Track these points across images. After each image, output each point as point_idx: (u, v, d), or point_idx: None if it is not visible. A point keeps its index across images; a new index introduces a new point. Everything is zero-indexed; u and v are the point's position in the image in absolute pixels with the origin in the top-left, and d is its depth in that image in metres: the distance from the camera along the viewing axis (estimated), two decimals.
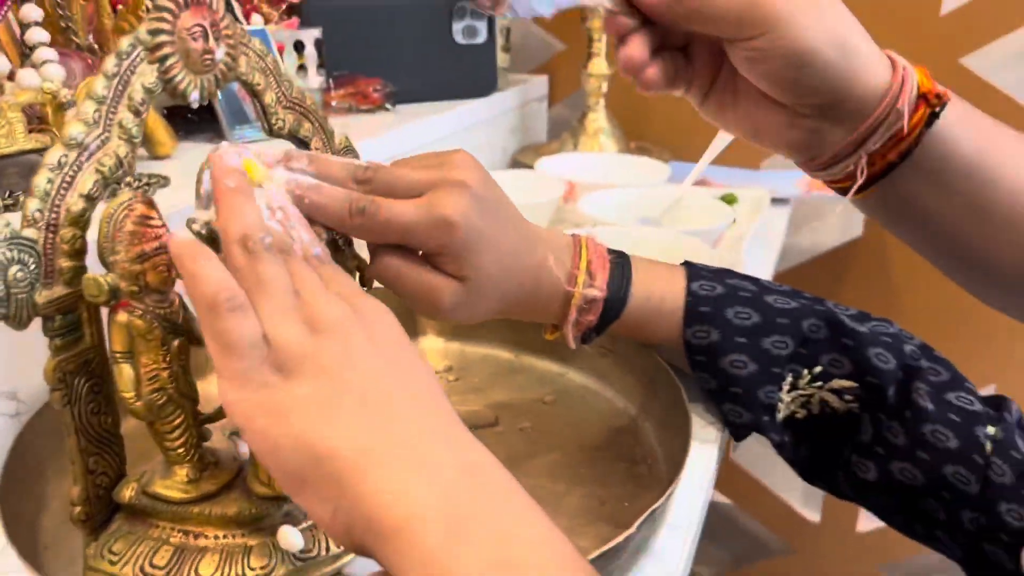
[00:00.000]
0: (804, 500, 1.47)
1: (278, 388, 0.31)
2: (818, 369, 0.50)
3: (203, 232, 0.40)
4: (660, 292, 0.52)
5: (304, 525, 0.42)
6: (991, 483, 0.46)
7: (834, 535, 1.42)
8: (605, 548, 0.35)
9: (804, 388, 0.51)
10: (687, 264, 0.54)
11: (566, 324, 0.50)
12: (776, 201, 1.04)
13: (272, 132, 0.46)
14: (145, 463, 0.42)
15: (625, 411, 0.55)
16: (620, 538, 0.36)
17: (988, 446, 0.46)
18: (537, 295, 0.49)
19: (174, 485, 0.41)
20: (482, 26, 1.08)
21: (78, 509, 0.40)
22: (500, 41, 1.14)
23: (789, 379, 0.51)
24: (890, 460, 0.49)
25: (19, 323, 0.36)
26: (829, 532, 1.42)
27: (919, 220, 0.52)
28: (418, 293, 0.45)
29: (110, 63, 0.37)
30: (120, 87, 0.37)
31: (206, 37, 0.39)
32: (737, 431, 0.52)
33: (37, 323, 0.37)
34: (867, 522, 1.39)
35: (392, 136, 0.90)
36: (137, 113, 0.38)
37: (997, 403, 0.49)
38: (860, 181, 0.49)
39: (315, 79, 0.93)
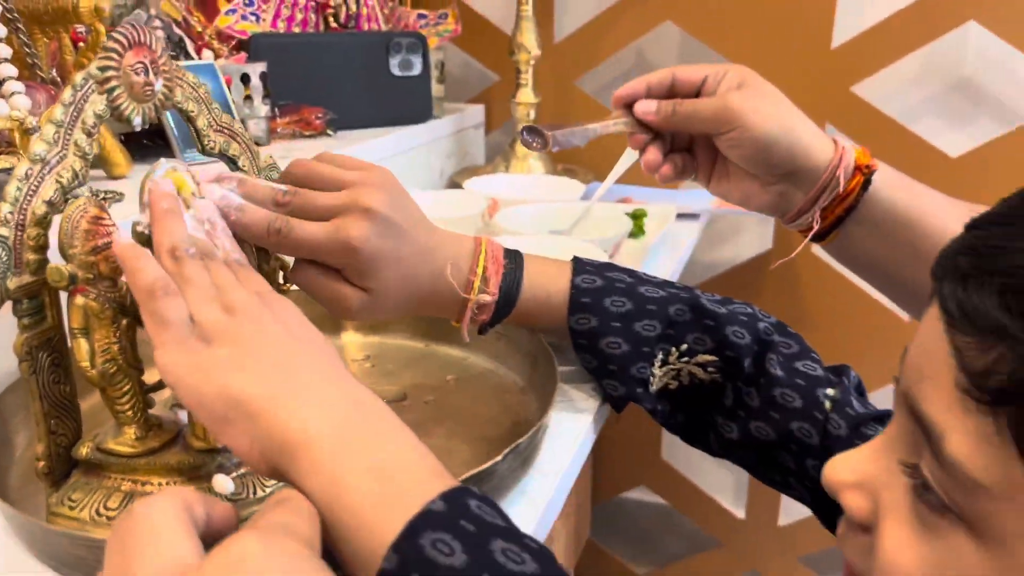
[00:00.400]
0: (734, 499, 1.57)
1: (202, 353, 0.40)
2: (684, 347, 0.59)
3: (146, 232, 0.49)
4: (547, 289, 0.60)
5: (235, 474, 0.50)
6: (829, 435, 0.55)
7: (758, 529, 1.51)
8: (472, 472, 0.44)
9: (674, 363, 0.60)
10: (575, 259, 0.63)
11: (462, 323, 0.59)
12: (686, 216, 1.15)
13: (205, 151, 0.55)
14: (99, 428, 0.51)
15: (515, 384, 0.64)
16: (487, 464, 0.45)
17: (828, 404, 0.56)
18: (435, 299, 0.58)
19: (124, 442, 0.49)
20: (417, 60, 1.18)
21: (42, 464, 0.48)
22: (435, 73, 1.24)
23: (660, 356, 0.59)
24: (748, 420, 0.58)
25: None
26: (753, 527, 1.52)
27: (873, 264, 0.69)
28: (328, 299, 0.54)
29: (67, 94, 0.45)
30: (75, 113, 0.46)
31: (147, 72, 0.48)
32: (616, 402, 0.61)
33: (2, 319, 0.45)
34: (786, 517, 1.49)
35: None
36: (89, 134, 0.46)
37: (839, 370, 0.59)
38: (816, 228, 0.67)
39: (261, 108, 1.02)
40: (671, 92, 0.69)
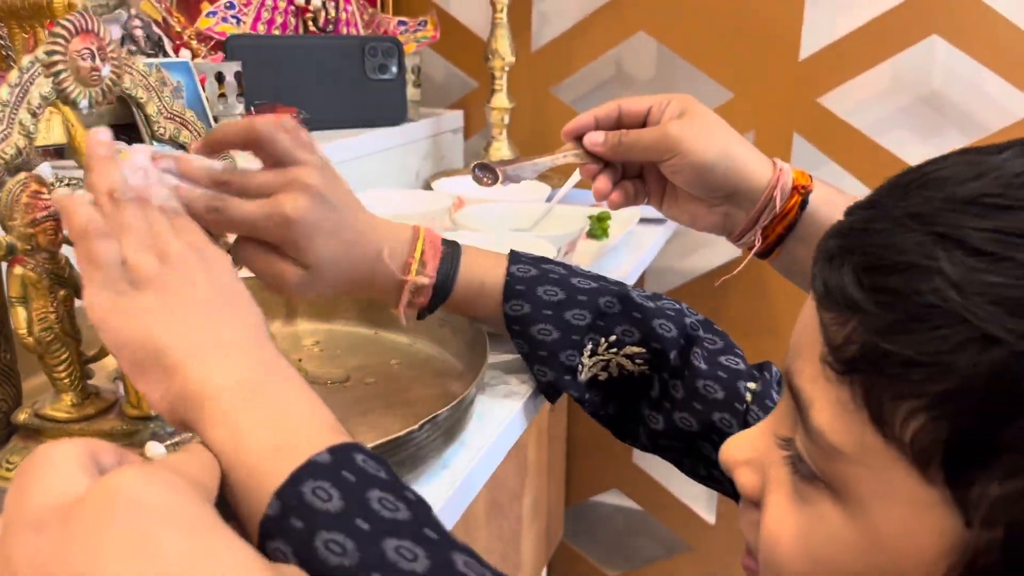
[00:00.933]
0: (706, 504, 1.59)
1: (130, 296, 0.41)
2: (613, 337, 0.61)
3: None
4: (482, 277, 0.62)
5: (168, 442, 0.52)
6: (748, 425, 0.57)
7: (726, 534, 1.53)
8: (387, 439, 0.46)
9: (603, 354, 0.62)
10: (512, 252, 0.65)
11: (400, 305, 0.62)
12: (653, 221, 1.17)
13: (155, 137, 0.58)
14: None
15: (455, 367, 0.66)
16: (403, 432, 0.47)
17: (748, 396, 0.58)
18: (374, 281, 0.59)
19: (61, 408, 0.51)
20: (392, 64, 1.21)
21: None
22: (411, 78, 1.27)
23: (589, 346, 0.61)
24: (673, 411, 0.60)
25: None
26: (722, 531, 1.54)
27: None
28: (268, 275, 0.55)
29: (13, 75, 0.48)
30: (21, 94, 0.48)
31: (93, 58, 0.51)
32: (547, 389, 0.63)
33: None
34: None
35: None
36: (34, 115, 0.49)
37: (761, 367, 0.61)
38: (758, 247, 0.70)
39: (235, 106, 1.04)
40: (618, 123, 0.71)
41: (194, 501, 0.31)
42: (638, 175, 0.74)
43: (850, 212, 0.36)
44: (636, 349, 0.61)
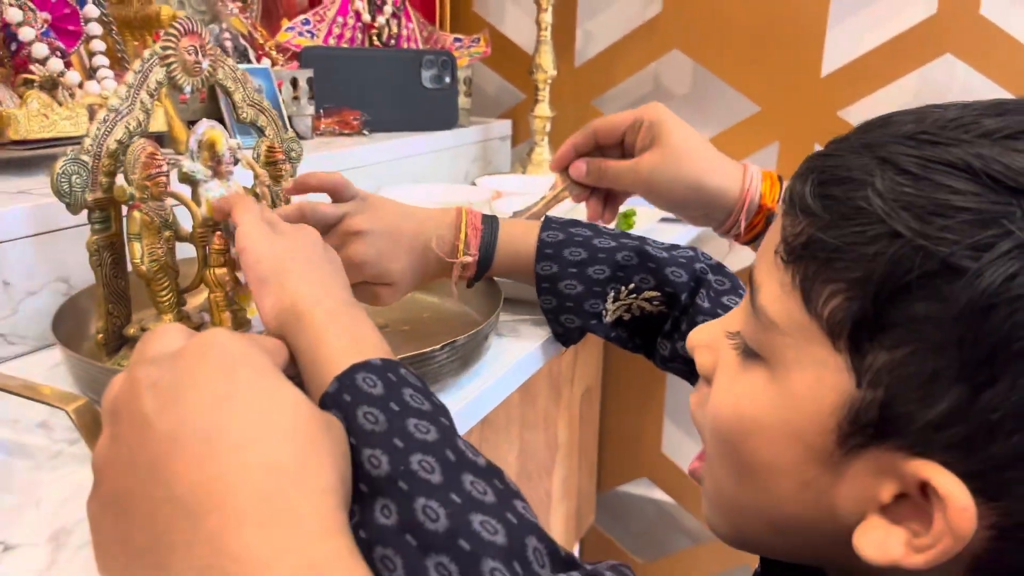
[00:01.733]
0: None
1: (270, 234, 0.55)
2: (632, 285, 0.72)
3: (189, 174, 0.66)
4: (517, 246, 0.75)
5: None
6: None
7: None
8: (412, 353, 0.59)
9: (624, 299, 0.73)
10: (546, 217, 0.77)
11: (451, 281, 0.75)
12: (675, 221, 1.28)
13: (239, 119, 0.72)
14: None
15: (476, 320, 0.78)
16: (426, 349, 0.60)
17: None
18: (430, 269, 0.73)
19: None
20: (446, 75, 1.35)
21: (100, 336, 0.65)
22: (462, 88, 1.40)
23: (612, 294, 0.73)
24: (677, 340, 0.71)
25: (76, 210, 0.61)
26: None
27: None
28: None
29: (136, 64, 0.63)
30: (141, 79, 0.63)
31: (197, 53, 0.66)
32: (572, 334, 0.75)
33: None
34: None
35: (365, 150, 1.17)
36: (151, 95, 0.64)
37: None
38: (731, 247, 0.83)
39: (307, 108, 1.20)
40: (598, 144, 0.81)
41: (264, 356, 0.43)
42: None
43: (828, 143, 0.44)
44: (653, 293, 0.72)
